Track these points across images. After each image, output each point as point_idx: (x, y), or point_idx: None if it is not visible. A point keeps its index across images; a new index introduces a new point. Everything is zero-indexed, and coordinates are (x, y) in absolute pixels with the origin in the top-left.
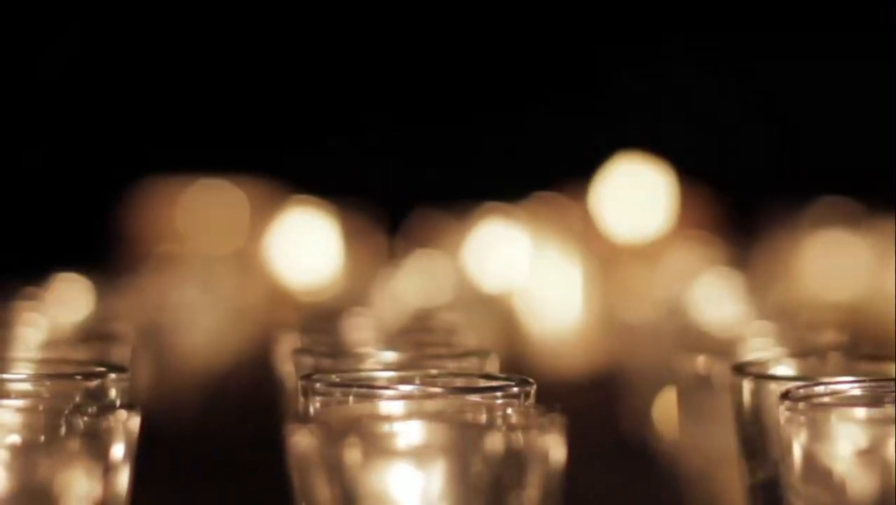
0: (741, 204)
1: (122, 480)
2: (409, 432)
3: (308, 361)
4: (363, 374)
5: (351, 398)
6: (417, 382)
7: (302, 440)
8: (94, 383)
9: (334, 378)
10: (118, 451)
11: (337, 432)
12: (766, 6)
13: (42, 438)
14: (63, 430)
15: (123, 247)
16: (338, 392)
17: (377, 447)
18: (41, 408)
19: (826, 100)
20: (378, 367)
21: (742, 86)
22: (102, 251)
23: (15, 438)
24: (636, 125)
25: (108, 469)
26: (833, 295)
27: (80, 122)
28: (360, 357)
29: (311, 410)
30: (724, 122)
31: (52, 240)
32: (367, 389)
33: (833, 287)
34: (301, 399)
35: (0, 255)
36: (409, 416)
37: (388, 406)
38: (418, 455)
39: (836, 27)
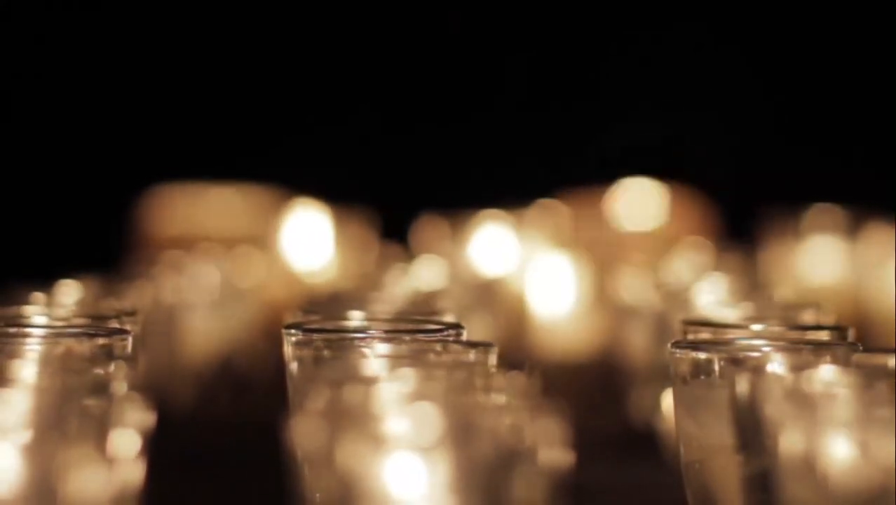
0: (738, 210)
1: (132, 467)
2: (408, 420)
3: (309, 352)
4: (364, 364)
5: (351, 387)
6: (417, 372)
7: (302, 428)
8: (102, 372)
9: (335, 368)
10: (126, 439)
11: (337, 421)
12: (764, 15)
13: (51, 427)
14: (72, 419)
15: (135, 250)
16: (338, 382)
17: (377, 436)
18: (49, 399)
19: (822, 107)
20: (378, 358)
21: (740, 93)
22: (114, 254)
23: (24, 427)
24: (636, 134)
25: (117, 457)
26: (828, 295)
27: (93, 131)
28: (361, 349)
29: (312, 399)
30: (722, 128)
31: (65, 243)
32: (367, 378)
33: (828, 288)
34: (302, 389)
35: (12, 257)
36: (409, 403)
37: (388, 394)
38: (418, 443)
39: (832, 36)
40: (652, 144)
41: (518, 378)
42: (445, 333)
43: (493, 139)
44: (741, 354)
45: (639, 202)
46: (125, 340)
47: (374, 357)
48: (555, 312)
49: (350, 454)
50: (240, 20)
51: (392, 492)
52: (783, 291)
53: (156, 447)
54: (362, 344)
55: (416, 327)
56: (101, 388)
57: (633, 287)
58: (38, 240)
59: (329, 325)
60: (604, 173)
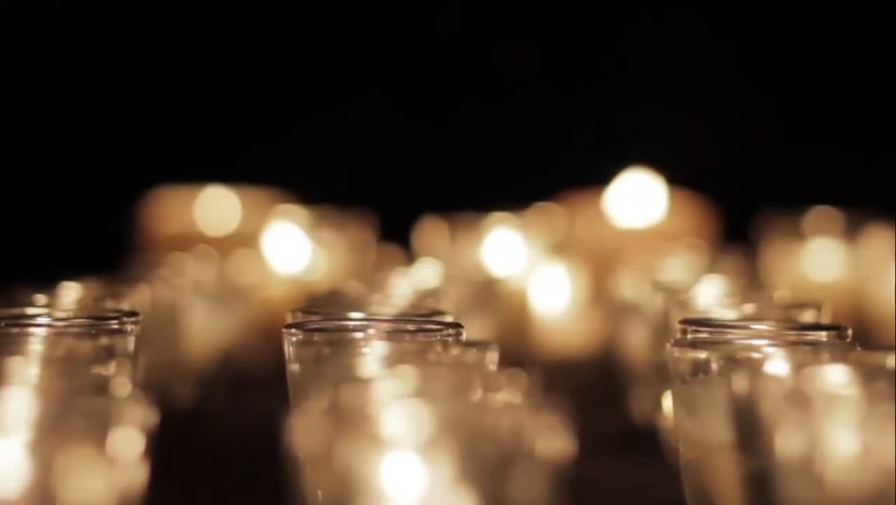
0: (738, 210)
1: (133, 466)
2: (408, 419)
3: (309, 352)
4: (363, 363)
5: (351, 387)
6: (417, 372)
7: (303, 427)
8: (103, 372)
9: (335, 368)
10: (128, 438)
11: (337, 420)
12: (764, 20)
13: (53, 426)
14: (73, 418)
15: (135, 250)
16: (338, 381)
17: (377, 435)
18: (51, 398)
19: (823, 108)
20: (378, 357)
21: (739, 94)
22: (115, 255)
23: (27, 426)
24: (634, 137)
25: (118, 456)
26: (828, 297)
27: (93, 132)
28: (361, 349)
29: (312, 398)
30: (722, 130)
31: (66, 244)
32: (367, 378)
33: (828, 290)
34: (302, 388)
35: (13, 258)
36: (408, 402)
37: (388, 394)
38: (418, 443)
39: (833, 36)
40: (651, 144)
41: (518, 377)
42: (445, 332)
43: (494, 140)
44: (740, 354)
45: (638, 202)
46: (126, 339)
47: (374, 357)
48: (555, 312)
49: (350, 453)
50: (238, 20)
51: (392, 491)
52: (782, 292)
53: (157, 446)
54: (362, 344)
55: (416, 327)
56: (102, 387)
57: (633, 287)
58: (40, 241)
59: (329, 325)
60: (603, 173)
